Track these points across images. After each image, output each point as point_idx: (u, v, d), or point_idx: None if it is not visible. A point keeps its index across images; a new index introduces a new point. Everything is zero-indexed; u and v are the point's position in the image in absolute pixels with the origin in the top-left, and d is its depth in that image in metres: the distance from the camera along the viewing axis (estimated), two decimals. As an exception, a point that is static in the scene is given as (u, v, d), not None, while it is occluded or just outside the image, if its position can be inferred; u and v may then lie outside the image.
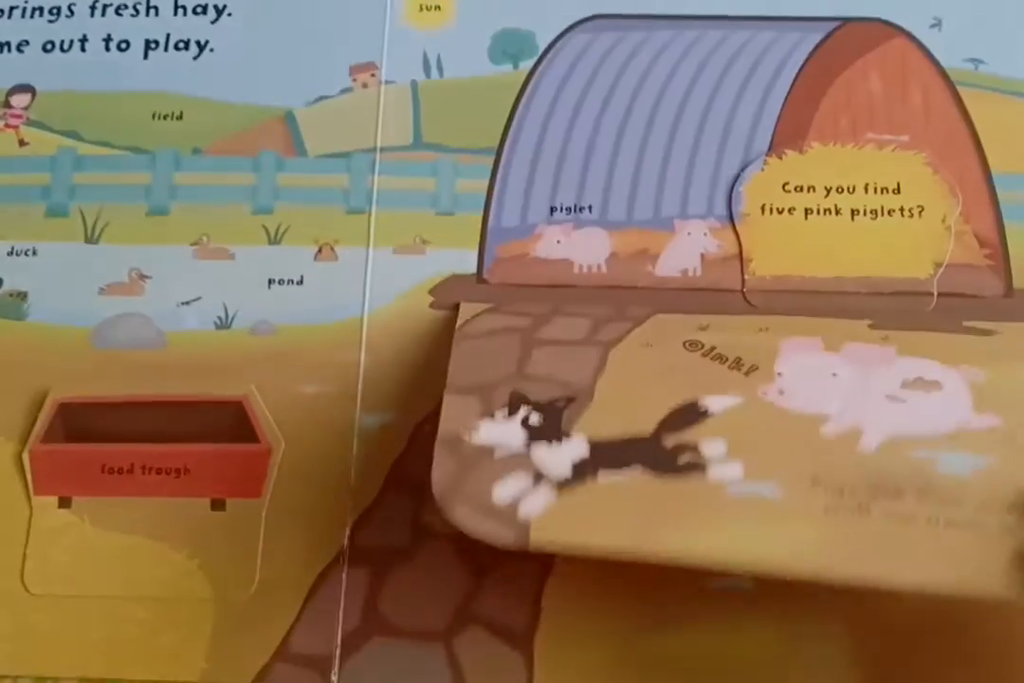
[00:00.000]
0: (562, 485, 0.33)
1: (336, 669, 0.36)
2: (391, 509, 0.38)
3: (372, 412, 0.39)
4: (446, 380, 0.36)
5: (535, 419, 0.35)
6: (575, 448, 0.34)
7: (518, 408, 0.35)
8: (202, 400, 0.39)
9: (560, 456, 0.34)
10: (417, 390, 0.39)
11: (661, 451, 0.34)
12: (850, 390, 0.35)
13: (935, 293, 0.39)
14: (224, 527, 0.38)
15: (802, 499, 0.33)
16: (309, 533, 0.38)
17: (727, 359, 0.36)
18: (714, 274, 0.40)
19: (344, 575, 0.37)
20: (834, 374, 0.36)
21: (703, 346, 0.37)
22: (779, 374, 0.36)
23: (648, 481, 0.33)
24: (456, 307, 0.40)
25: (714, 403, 0.35)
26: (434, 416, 0.38)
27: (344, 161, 0.42)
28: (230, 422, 0.39)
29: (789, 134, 0.41)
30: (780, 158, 0.41)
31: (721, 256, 0.40)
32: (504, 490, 0.33)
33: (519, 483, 0.34)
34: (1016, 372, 0.37)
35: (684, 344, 0.37)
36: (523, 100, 0.43)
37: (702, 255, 0.40)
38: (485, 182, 0.42)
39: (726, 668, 0.37)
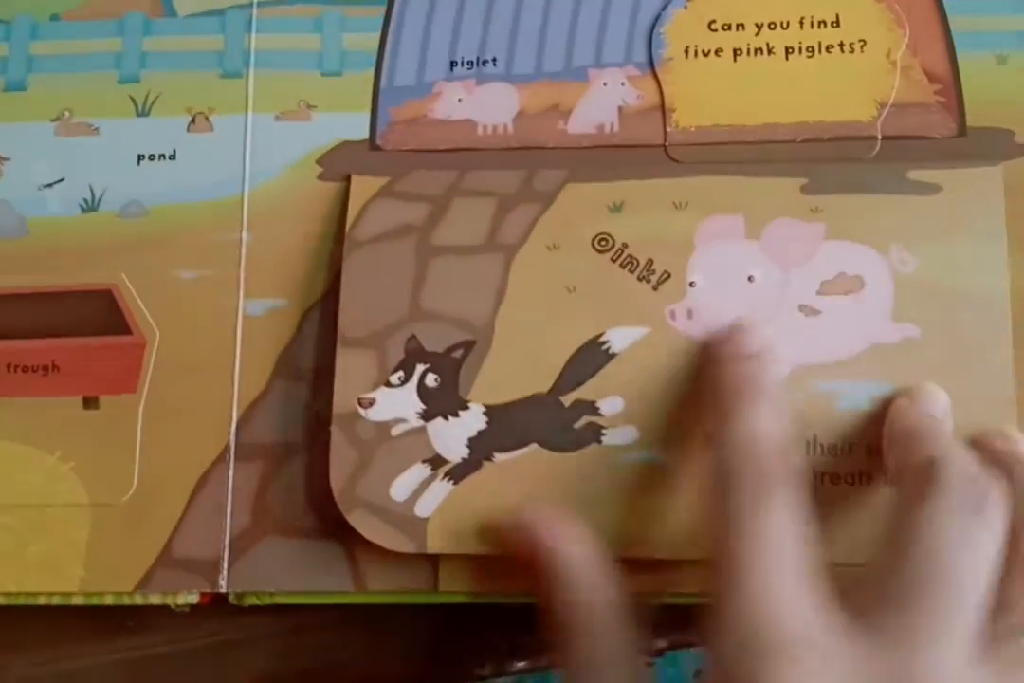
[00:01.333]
0: (458, 472, 0.33)
1: (224, 573, 0.33)
2: (280, 400, 0.35)
3: (257, 297, 0.35)
4: (336, 322, 0.34)
5: (431, 380, 0.34)
6: (471, 420, 0.34)
7: (414, 366, 0.34)
8: (68, 290, 0.35)
9: (456, 431, 0.34)
10: (306, 272, 0.35)
11: (558, 413, 0.34)
12: (763, 301, 0.34)
13: (879, 137, 0.35)
14: (98, 426, 0.34)
15: (691, 464, 0.33)
16: (190, 430, 0.34)
17: (638, 264, 0.34)
18: (633, 128, 0.36)
19: (231, 473, 0.34)
20: (750, 278, 0.33)
21: (613, 245, 0.34)
22: (691, 284, 0.33)
23: (543, 460, 0.33)
24: (347, 179, 0.36)
25: (618, 338, 0.34)
26: (325, 300, 0.35)
27: (218, 20, 0.37)
28: (100, 313, 0.35)
29: (715, -34, 0.37)
30: (704, -6, 0.36)
31: (641, 108, 0.36)
32: (400, 487, 0.33)
33: (415, 475, 0.33)
34: (950, 252, 0.33)
35: (593, 242, 0.34)
36: (415, -58, 0.38)
37: (620, 108, 0.36)
38: (376, 36, 0.37)
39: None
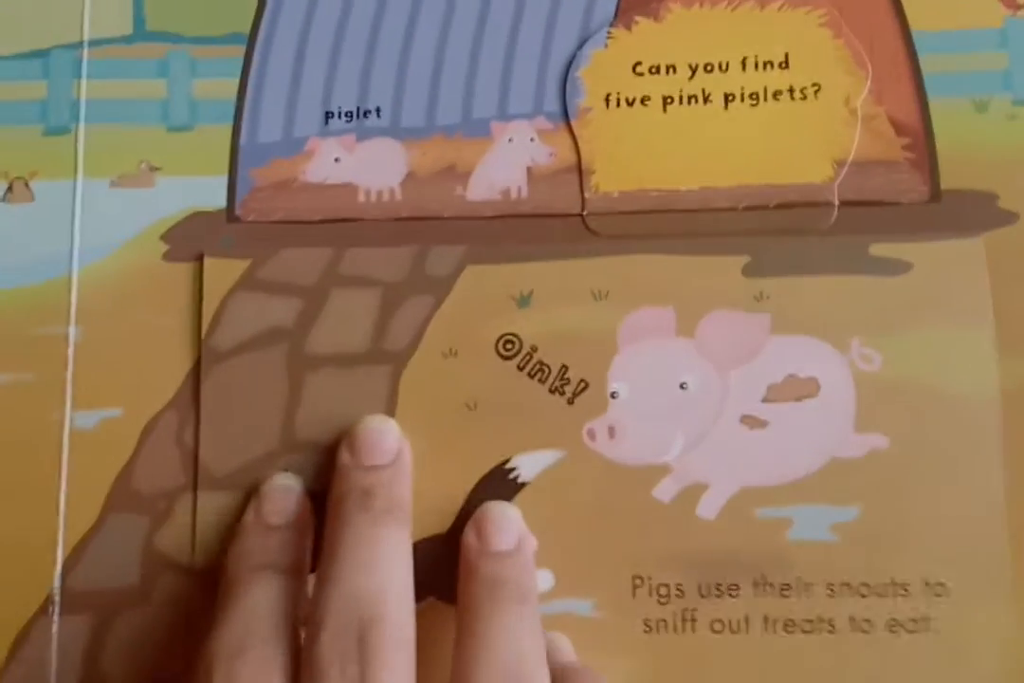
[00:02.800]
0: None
1: (43, 757, 0.27)
2: (116, 536, 0.28)
3: (88, 406, 0.29)
4: (196, 454, 0.28)
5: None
6: None
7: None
8: None
9: None
10: (147, 375, 0.29)
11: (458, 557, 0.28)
12: (698, 413, 0.28)
13: (836, 203, 0.29)
14: None
15: (620, 616, 0.28)
16: (5, 575, 0.28)
17: (549, 372, 0.29)
18: (545, 194, 0.30)
19: (55, 627, 0.28)
20: (682, 384, 0.28)
21: (520, 348, 0.29)
22: (612, 395, 0.28)
23: (442, 617, 0.28)
24: (200, 259, 0.29)
25: (528, 465, 0.28)
26: (172, 409, 0.29)
27: (39, 62, 0.31)
28: None
29: (639, -5, 0.31)
30: (629, 29, 0.30)
31: (554, 168, 0.30)
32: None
33: None
34: (923, 345, 0.28)
35: (497, 345, 0.29)
36: (280, -33, 0.31)
37: (529, 168, 0.30)
38: (234, 82, 0.31)
39: None
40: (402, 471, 0.27)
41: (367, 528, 0.25)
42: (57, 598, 0.28)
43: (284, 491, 0.27)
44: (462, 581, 0.26)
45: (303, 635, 0.24)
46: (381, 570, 0.25)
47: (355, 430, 0.28)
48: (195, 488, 0.28)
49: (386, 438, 0.27)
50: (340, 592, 0.24)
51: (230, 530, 0.28)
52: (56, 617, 0.28)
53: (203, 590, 0.28)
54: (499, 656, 0.24)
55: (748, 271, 0.28)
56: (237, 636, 0.24)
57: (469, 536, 0.27)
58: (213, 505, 0.28)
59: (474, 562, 0.26)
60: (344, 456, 0.27)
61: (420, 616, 0.27)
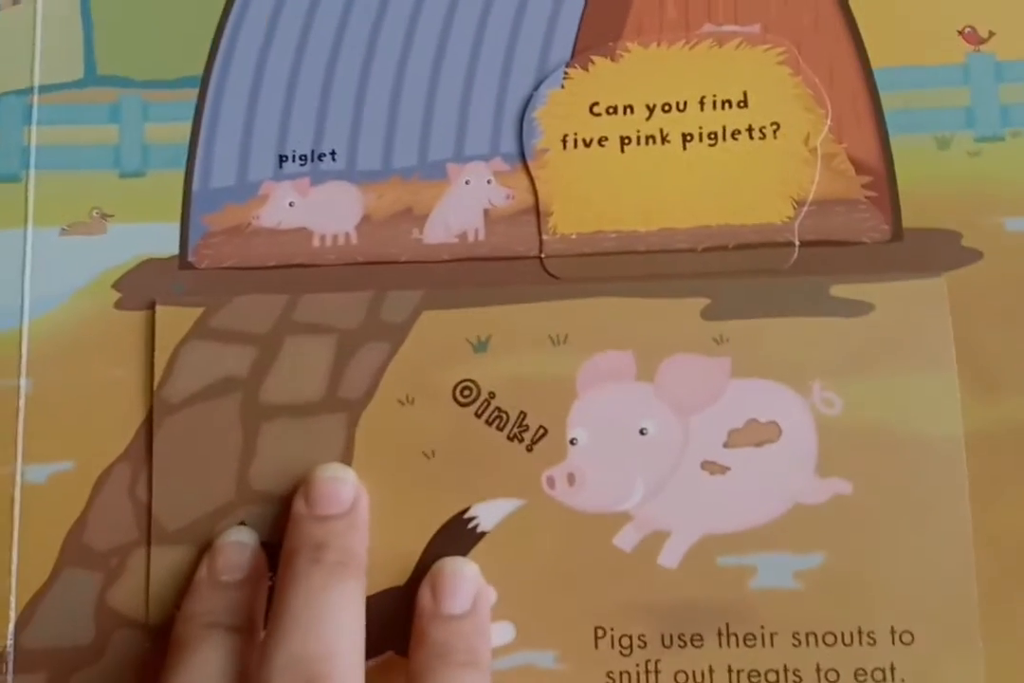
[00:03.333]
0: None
1: None
2: (69, 593, 0.28)
3: (38, 460, 0.28)
4: (149, 508, 0.28)
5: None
6: None
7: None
8: None
9: None
10: (100, 426, 0.28)
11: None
12: (659, 459, 0.28)
13: (796, 243, 0.28)
14: None
15: (583, 668, 0.27)
16: (-44, 635, 0.28)
17: (507, 419, 0.28)
18: (502, 236, 0.29)
19: (8, 689, 0.27)
20: (642, 430, 0.27)
21: (478, 395, 0.28)
22: (572, 442, 0.28)
23: (401, 671, 0.26)
24: (152, 307, 0.29)
25: (487, 514, 0.28)
26: (124, 462, 0.28)
27: (-12, 109, 0.31)
28: None
29: (597, 34, 0.30)
30: (585, 69, 0.30)
31: (511, 210, 0.29)
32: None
33: None
34: (886, 388, 0.27)
35: (454, 392, 0.28)
36: (233, 9, 0.31)
37: (486, 211, 0.29)
38: (187, 127, 0.30)
39: None
40: (358, 521, 0.27)
41: (318, 584, 0.25)
42: (11, 656, 0.27)
43: (237, 547, 0.27)
44: (414, 643, 0.25)
45: None
46: (329, 631, 0.24)
47: (311, 478, 0.27)
48: (148, 543, 0.28)
49: (342, 487, 0.27)
50: (287, 653, 0.24)
51: (184, 586, 0.27)
52: (10, 676, 0.27)
53: (157, 647, 0.27)
54: None
55: (708, 314, 0.28)
56: None
57: (424, 596, 0.26)
58: (167, 560, 0.28)
59: (426, 626, 0.25)
60: (299, 505, 0.27)
61: (378, 670, 0.27)
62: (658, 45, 0.30)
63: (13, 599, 0.28)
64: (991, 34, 0.29)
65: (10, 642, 0.27)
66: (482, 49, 0.30)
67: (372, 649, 0.26)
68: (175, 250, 0.30)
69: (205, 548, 0.27)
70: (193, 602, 0.26)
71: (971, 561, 0.27)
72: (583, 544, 0.27)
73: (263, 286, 0.29)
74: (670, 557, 0.27)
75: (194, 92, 0.30)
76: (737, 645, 0.27)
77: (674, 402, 0.28)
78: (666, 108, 0.29)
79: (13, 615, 0.28)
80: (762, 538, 0.27)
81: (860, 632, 0.27)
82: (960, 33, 0.29)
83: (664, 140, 0.29)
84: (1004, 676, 0.26)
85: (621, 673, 0.27)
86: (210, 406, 0.28)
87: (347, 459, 0.28)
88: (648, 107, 0.29)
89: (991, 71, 0.29)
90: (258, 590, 0.27)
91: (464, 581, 0.26)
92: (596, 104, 0.30)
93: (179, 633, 0.26)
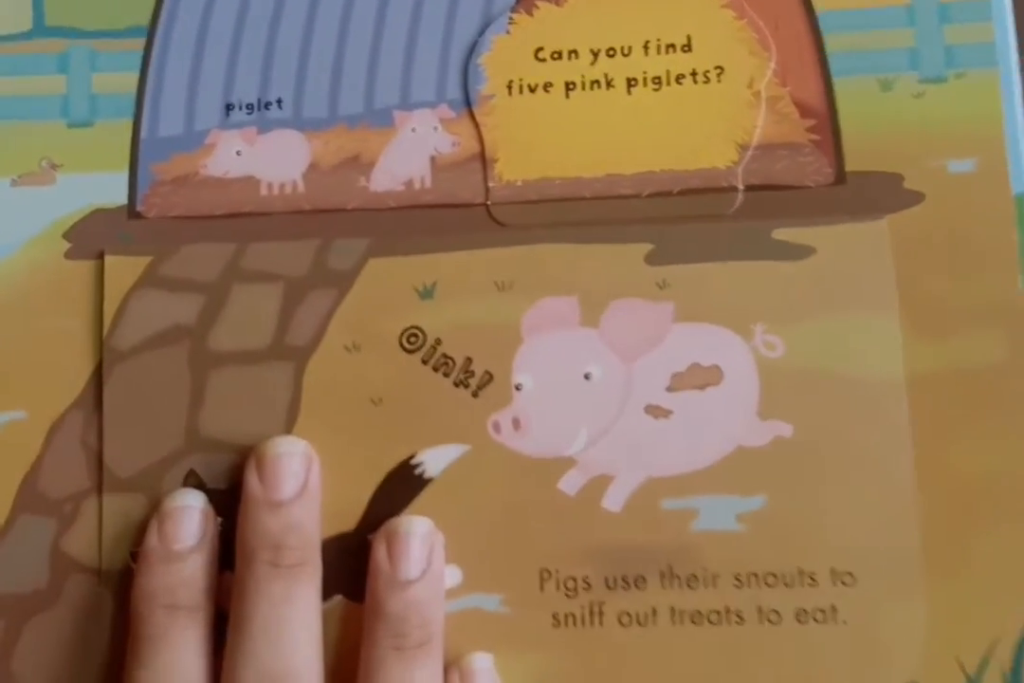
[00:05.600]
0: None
1: (-47, 762, 0.27)
2: (23, 539, 0.28)
3: (-9, 409, 0.29)
4: (100, 456, 0.28)
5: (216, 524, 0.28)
6: None
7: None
8: None
9: None
10: (51, 376, 0.29)
11: (366, 557, 0.27)
12: (603, 404, 0.28)
13: (740, 188, 0.28)
14: None
15: (528, 611, 0.28)
16: (-89, 581, 0.28)
17: (453, 364, 0.28)
18: (448, 184, 0.29)
19: (-37, 633, 0.28)
20: (586, 376, 0.27)
21: (424, 341, 0.28)
22: (517, 387, 0.28)
23: (350, 615, 0.27)
24: (101, 256, 0.29)
25: (433, 460, 0.28)
26: (76, 410, 0.28)
27: (-64, 61, 0.31)
28: None
29: (542, -22, 0.30)
30: (530, 14, 0.30)
31: (457, 158, 0.29)
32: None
33: None
34: (828, 330, 0.27)
35: (401, 339, 0.28)
36: (178, -43, 0.31)
37: (432, 158, 0.29)
38: (134, 77, 0.30)
39: None
40: (312, 502, 0.27)
41: (280, 594, 0.26)
42: (-36, 602, 0.28)
43: (186, 512, 0.27)
44: (369, 612, 0.26)
45: None
46: (293, 649, 0.25)
47: (262, 455, 0.27)
48: (100, 491, 0.28)
49: (294, 462, 0.27)
50: (254, 670, 0.25)
51: (136, 533, 0.28)
52: (-36, 621, 0.28)
53: (112, 592, 0.28)
54: None
55: (651, 259, 0.28)
56: None
57: (379, 554, 0.27)
58: (119, 507, 0.28)
59: (382, 594, 0.26)
60: (253, 483, 0.27)
61: (327, 614, 0.27)
62: (603, -11, 0.30)
63: (-33, 545, 0.28)
64: (936, -26, 0.29)
65: (-36, 588, 0.28)
66: (428, -5, 0.30)
67: (324, 593, 0.27)
68: (124, 200, 0.30)
69: (156, 496, 0.28)
70: (149, 577, 0.26)
71: (913, 503, 0.27)
72: (528, 488, 0.28)
73: (211, 235, 0.29)
74: (614, 500, 0.27)
75: (141, 41, 0.30)
76: (680, 587, 0.27)
77: (618, 347, 0.28)
78: (611, 53, 0.29)
79: (-33, 561, 0.28)
80: (705, 481, 0.27)
81: (801, 573, 0.27)
82: (904, -26, 0.29)
83: (609, 85, 0.29)
84: (944, 618, 0.26)
85: (566, 615, 0.27)
86: (159, 354, 0.29)
87: (294, 406, 0.28)
88: (593, 52, 0.29)
89: (935, 12, 0.28)
90: (211, 556, 0.27)
91: (419, 541, 0.27)
92: (541, 49, 0.29)
93: (140, 615, 0.26)
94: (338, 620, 0.27)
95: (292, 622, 0.26)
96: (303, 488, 0.27)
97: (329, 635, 0.27)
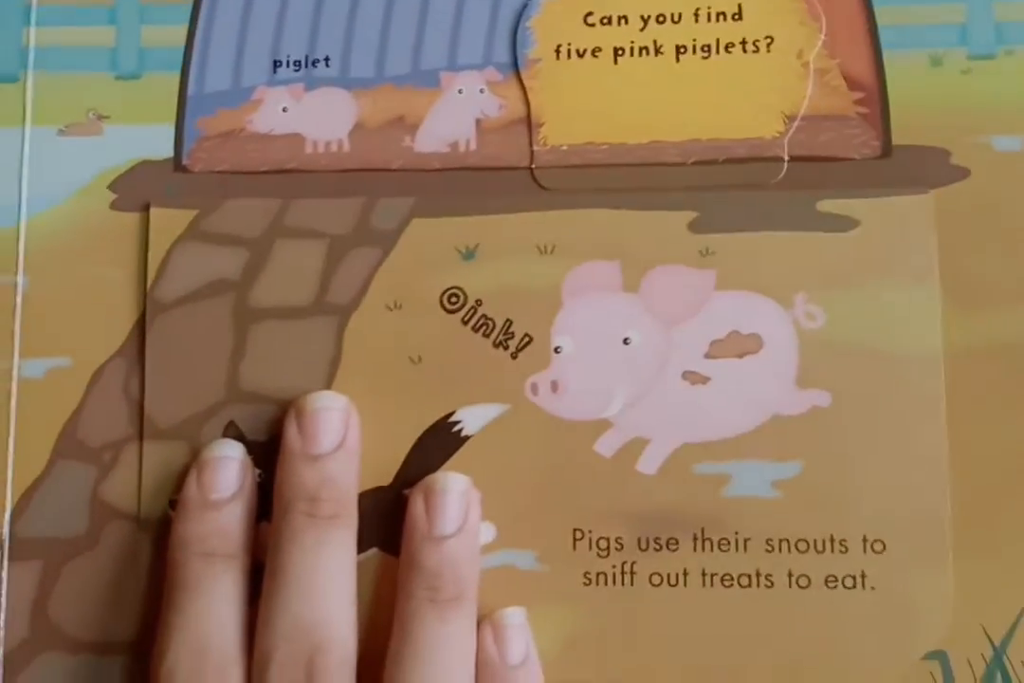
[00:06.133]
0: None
1: (-6, 696, 0.28)
2: (63, 484, 0.28)
3: (35, 355, 0.29)
4: (142, 405, 0.29)
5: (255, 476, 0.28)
6: None
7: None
8: None
9: None
10: (95, 325, 0.29)
11: (402, 509, 0.28)
12: (641, 368, 0.28)
13: (785, 158, 0.28)
14: None
15: (561, 568, 0.28)
16: (-47, 522, 0.28)
17: (494, 326, 0.28)
18: (494, 146, 0.29)
19: (4, 574, 0.28)
20: (625, 340, 0.28)
21: (465, 302, 0.29)
22: (556, 350, 0.28)
23: (386, 567, 0.28)
24: (147, 209, 0.29)
25: (471, 418, 0.28)
26: (119, 358, 0.29)
27: (-14, 9, 0.31)
28: None
29: (594, -57, 0.30)
30: (581, -22, 0.30)
31: (503, 121, 0.29)
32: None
33: None
34: (868, 302, 0.28)
35: (442, 299, 0.29)
36: (230, -88, 0.31)
37: (478, 121, 0.30)
38: (182, 30, 0.30)
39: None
40: (349, 456, 0.27)
41: (312, 546, 0.26)
42: (7, 544, 0.28)
43: (224, 462, 0.27)
44: (404, 565, 0.27)
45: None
46: (326, 597, 0.26)
47: (302, 408, 0.28)
48: (140, 439, 0.28)
49: (334, 417, 0.27)
50: (286, 621, 0.25)
51: (175, 482, 0.28)
52: (5, 562, 0.28)
53: (149, 539, 0.28)
54: (431, 668, 0.26)
55: (695, 227, 0.28)
56: (194, 653, 0.25)
57: (416, 507, 0.27)
58: (158, 456, 0.28)
59: (418, 548, 0.26)
60: (292, 435, 0.27)
61: (362, 566, 0.27)
62: (655, -45, 0.30)
63: (9, 490, 0.28)
64: (991, -50, 0.29)
65: (6, 530, 0.28)
66: (479, -43, 0.30)
67: (359, 545, 0.27)
68: (170, 153, 0.30)
69: (196, 446, 0.28)
70: (186, 524, 0.27)
71: (945, 475, 0.27)
72: (564, 449, 0.28)
73: (256, 190, 0.29)
74: (649, 464, 0.28)
75: (190, -4, 0.31)
76: (711, 550, 0.27)
77: (658, 313, 0.28)
78: (660, 19, 0.29)
79: (9, 505, 0.28)
80: (740, 447, 0.28)
81: (832, 540, 0.27)
82: (960, -52, 0.29)
83: (658, 52, 0.29)
84: (972, 588, 0.27)
85: (598, 574, 0.28)
86: (202, 307, 0.29)
87: (335, 363, 0.28)
88: (643, 18, 0.29)
89: (988, -13, 0.29)
90: (248, 506, 0.27)
91: (456, 498, 0.27)
92: (590, 14, 0.29)
93: (177, 562, 0.26)
94: (373, 572, 0.28)
95: (325, 572, 0.26)
96: (341, 442, 0.27)
97: (364, 587, 0.27)
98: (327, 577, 0.26)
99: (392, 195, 0.29)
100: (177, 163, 0.30)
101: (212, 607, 0.26)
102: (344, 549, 0.27)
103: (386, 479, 0.28)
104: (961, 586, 0.27)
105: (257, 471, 0.28)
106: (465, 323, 0.28)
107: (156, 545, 0.28)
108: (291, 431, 0.27)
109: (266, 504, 0.27)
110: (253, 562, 0.27)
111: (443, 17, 0.30)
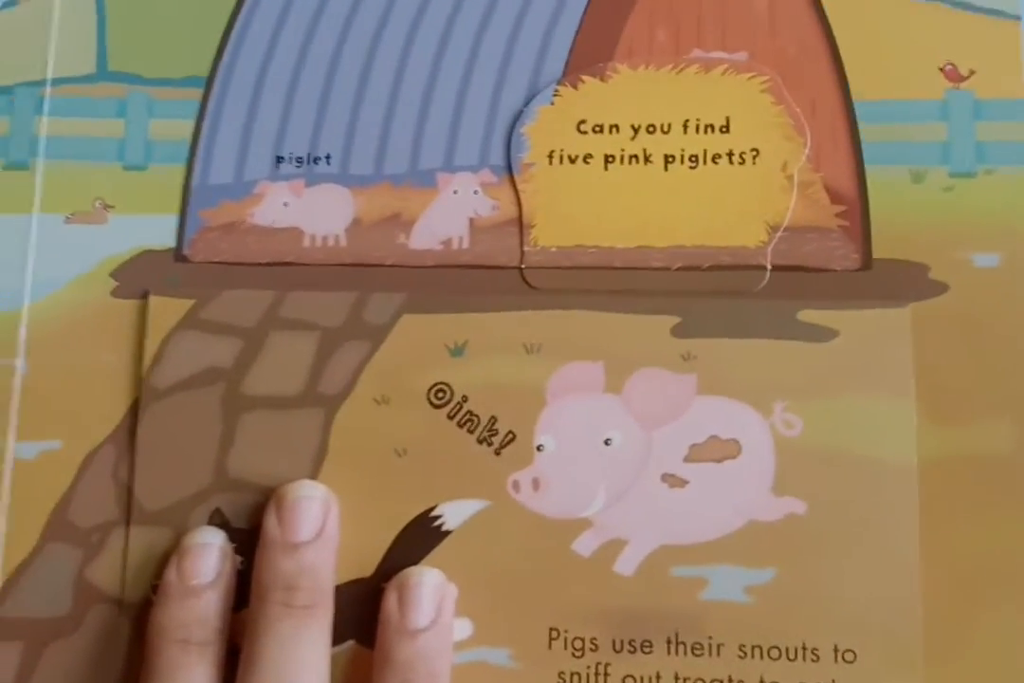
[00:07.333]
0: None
1: (-33, 783, 0.28)
2: (50, 566, 0.29)
3: (31, 438, 0.30)
4: (130, 489, 0.29)
5: (236, 564, 0.29)
6: None
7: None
8: None
9: None
10: (90, 408, 0.30)
11: (380, 602, 0.28)
12: (621, 469, 0.29)
13: (768, 267, 0.29)
14: None
15: (535, 667, 0.28)
16: (-60, 602, 0.29)
17: (478, 422, 0.29)
18: (485, 245, 0.30)
19: (-14, 655, 0.29)
20: (607, 441, 0.28)
21: (451, 397, 0.29)
22: (538, 448, 0.29)
23: (362, 660, 0.28)
24: (146, 296, 0.30)
25: (453, 513, 0.29)
26: (110, 444, 0.29)
27: (3, 98, 0.31)
28: None
29: (589, 54, 0.31)
30: (575, 87, 0.31)
31: (496, 221, 0.30)
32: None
33: None
34: (845, 411, 0.28)
35: (429, 394, 0.29)
36: (240, 15, 0.32)
37: (471, 220, 0.30)
38: (190, 124, 0.31)
39: None
40: (327, 546, 0.28)
41: (288, 636, 0.26)
42: (-10, 625, 0.29)
43: (205, 549, 0.28)
44: (378, 659, 0.27)
45: None
46: None
47: (283, 497, 0.28)
48: (128, 523, 0.29)
49: (313, 506, 0.28)
50: None
51: (159, 565, 0.29)
52: (-12, 643, 0.29)
53: (131, 622, 0.28)
54: None
55: (677, 331, 0.29)
56: None
57: (390, 602, 0.27)
58: (144, 540, 0.29)
59: (391, 641, 0.27)
60: (271, 524, 0.28)
61: (339, 658, 0.28)
62: (647, 68, 0.31)
63: (-3, 569, 0.29)
64: (971, 72, 0.30)
65: (-9, 610, 0.29)
66: (477, 64, 0.31)
67: (336, 637, 0.27)
68: (172, 242, 0.31)
69: (181, 531, 0.29)
70: (164, 610, 0.27)
71: (917, 585, 0.27)
72: (543, 547, 0.28)
73: (253, 281, 0.30)
74: (626, 565, 0.28)
75: (199, 92, 0.31)
76: (685, 654, 0.28)
77: (639, 415, 0.29)
78: (651, 129, 0.30)
79: (-4, 585, 0.29)
80: (716, 551, 0.28)
81: (804, 648, 0.28)
82: (941, 70, 0.30)
83: (647, 160, 0.30)
84: (944, 699, 0.27)
85: (572, 674, 0.28)
86: (194, 394, 0.29)
87: (321, 453, 0.29)
88: (633, 127, 0.30)
89: (969, 108, 0.29)
90: (226, 593, 0.28)
91: (429, 591, 0.28)
92: (583, 122, 0.30)
93: (154, 648, 0.27)
94: (349, 664, 0.28)
95: (299, 662, 0.26)
96: (320, 532, 0.28)
97: (338, 678, 0.28)
98: (301, 667, 0.26)
99: (385, 290, 0.30)
100: (178, 253, 0.31)
101: None
102: (319, 640, 0.27)
103: (366, 571, 0.29)
104: (931, 693, 0.27)
105: (239, 558, 0.28)
106: (451, 418, 0.29)
107: (138, 629, 0.28)
108: (271, 520, 0.28)
109: (246, 591, 0.28)
110: (229, 646, 0.28)
111: (442, 120, 0.31)
